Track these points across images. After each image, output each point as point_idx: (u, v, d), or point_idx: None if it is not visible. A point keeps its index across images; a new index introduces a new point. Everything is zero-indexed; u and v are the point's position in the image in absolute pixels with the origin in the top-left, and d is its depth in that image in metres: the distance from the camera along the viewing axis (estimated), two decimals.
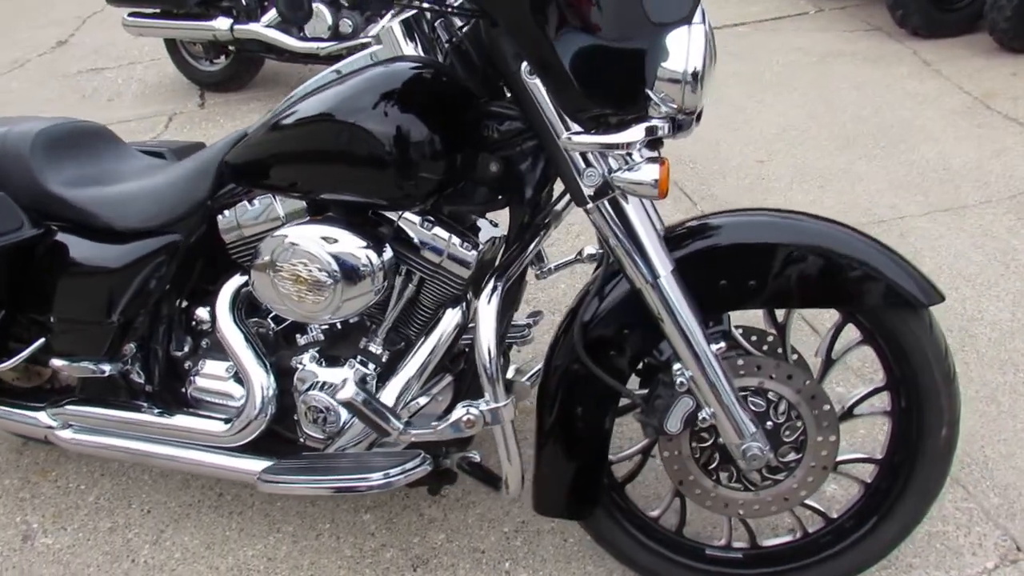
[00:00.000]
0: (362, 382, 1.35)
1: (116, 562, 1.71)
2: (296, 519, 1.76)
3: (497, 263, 1.41)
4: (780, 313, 1.41)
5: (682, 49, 1.06)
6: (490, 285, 1.26)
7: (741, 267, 1.29)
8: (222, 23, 3.92)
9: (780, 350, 1.41)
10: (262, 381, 1.50)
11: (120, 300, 1.58)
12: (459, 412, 1.26)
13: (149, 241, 1.55)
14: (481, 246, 1.40)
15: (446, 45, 1.35)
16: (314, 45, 3.81)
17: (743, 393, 1.32)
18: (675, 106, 1.10)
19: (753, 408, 1.33)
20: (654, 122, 1.12)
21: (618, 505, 1.49)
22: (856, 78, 3.80)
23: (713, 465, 1.37)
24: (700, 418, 1.30)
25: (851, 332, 1.37)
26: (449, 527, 1.71)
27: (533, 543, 1.66)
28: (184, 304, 1.65)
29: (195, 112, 4.18)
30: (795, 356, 1.44)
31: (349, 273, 1.34)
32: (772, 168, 3.09)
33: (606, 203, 1.22)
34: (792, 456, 1.35)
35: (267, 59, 4.21)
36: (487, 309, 1.22)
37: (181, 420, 1.59)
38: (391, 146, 1.27)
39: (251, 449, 1.55)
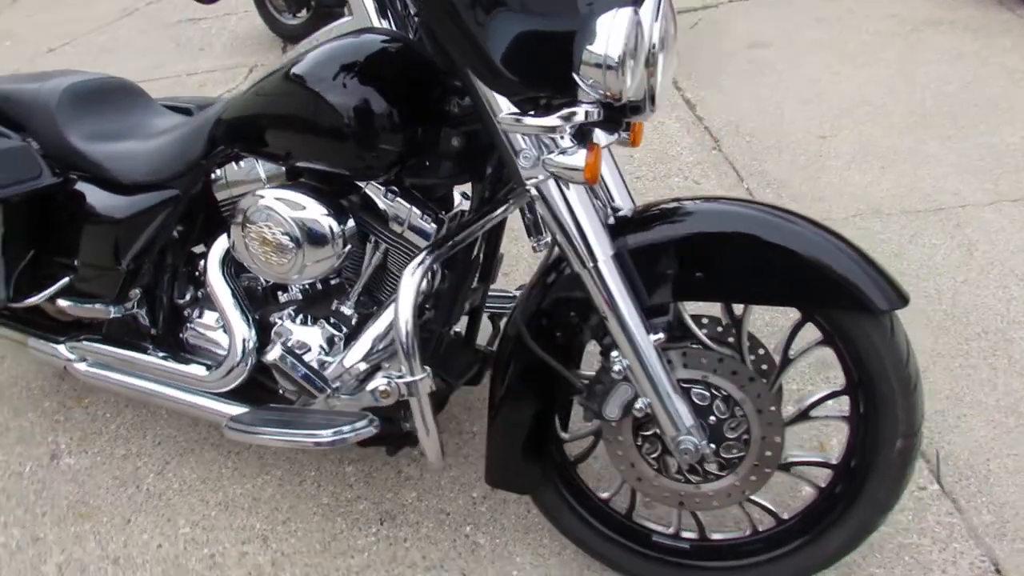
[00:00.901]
0: (288, 347, 1.41)
1: (123, 487, 1.86)
2: (285, 464, 1.86)
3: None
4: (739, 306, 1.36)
5: (605, 32, 1.03)
6: (418, 259, 1.27)
7: (690, 256, 1.25)
8: None
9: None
10: (244, 334, 1.59)
11: (127, 248, 1.69)
12: (377, 382, 1.30)
13: (152, 195, 1.65)
14: (445, 219, 1.42)
15: (415, 19, 1.36)
16: None
17: (687, 385, 1.30)
18: (603, 92, 1.07)
19: (698, 401, 1.30)
20: (584, 107, 1.09)
21: (569, 483, 1.50)
22: (950, 50, 3.51)
23: (655, 454, 1.36)
24: (637, 407, 1.29)
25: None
26: (422, 486, 1.77)
27: (497, 511, 1.69)
28: (188, 255, 1.76)
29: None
30: (762, 351, 1.39)
31: (310, 238, 1.39)
32: (834, 145, 2.92)
33: (547, 184, 1.21)
34: (735, 453, 1.31)
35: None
36: (409, 282, 1.23)
37: (175, 364, 1.70)
38: (350, 117, 1.29)
39: (237, 396, 1.65)
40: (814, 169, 2.80)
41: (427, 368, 1.26)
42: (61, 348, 1.84)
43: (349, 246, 1.43)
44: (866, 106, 3.15)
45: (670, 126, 3.18)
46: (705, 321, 1.40)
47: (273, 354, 1.35)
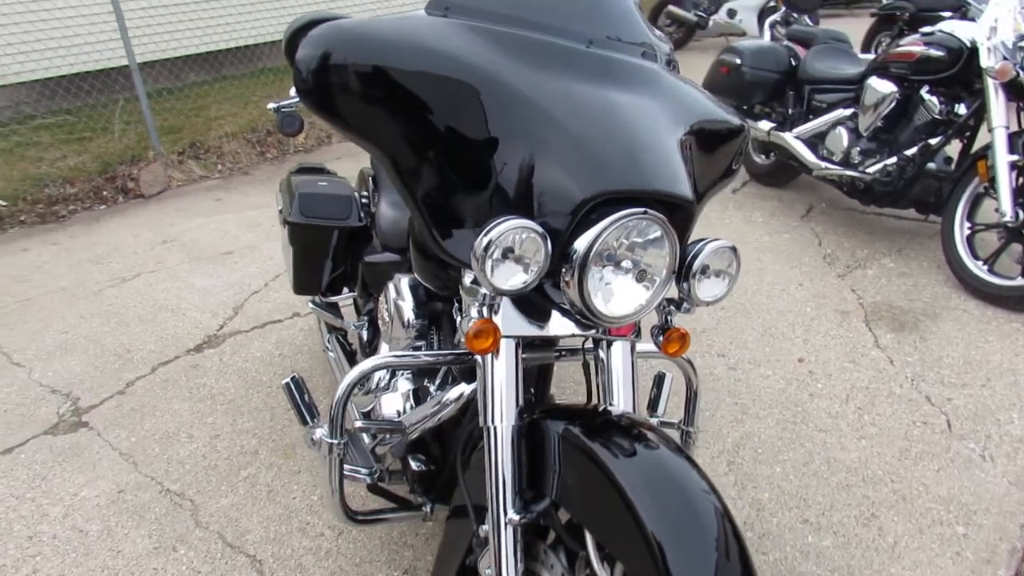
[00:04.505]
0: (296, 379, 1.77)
1: None
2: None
3: None
4: None
5: (484, 231, 1.20)
6: (377, 356, 1.53)
7: (586, 476, 1.25)
8: (764, 125, 4.25)
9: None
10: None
11: (369, 283, 2.30)
12: (317, 430, 1.59)
13: (385, 255, 2.22)
14: None
15: None
16: (823, 165, 3.84)
17: None
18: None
19: None
20: (483, 290, 1.27)
21: None
22: None
23: None
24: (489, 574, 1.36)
25: None
26: None
27: None
28: None
29: (726, 195, 4.63)
30: None
31: (397, 318, 1.78)
32: None
33: None
34: None
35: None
36: (358, 367, 1.50)
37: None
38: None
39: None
40: None
41: (345, 438, 1.53)
42: (327, 336, 2.56)
43: (424, 341, 1.76)
44: None
45: None
46: None
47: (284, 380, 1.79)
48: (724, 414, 2.52)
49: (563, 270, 1.27)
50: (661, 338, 1.48)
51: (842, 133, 3.78)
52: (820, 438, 2.39)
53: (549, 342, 1.60)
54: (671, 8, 9.55)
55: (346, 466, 1.76)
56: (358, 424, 1.67)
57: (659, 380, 1.82)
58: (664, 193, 1.28)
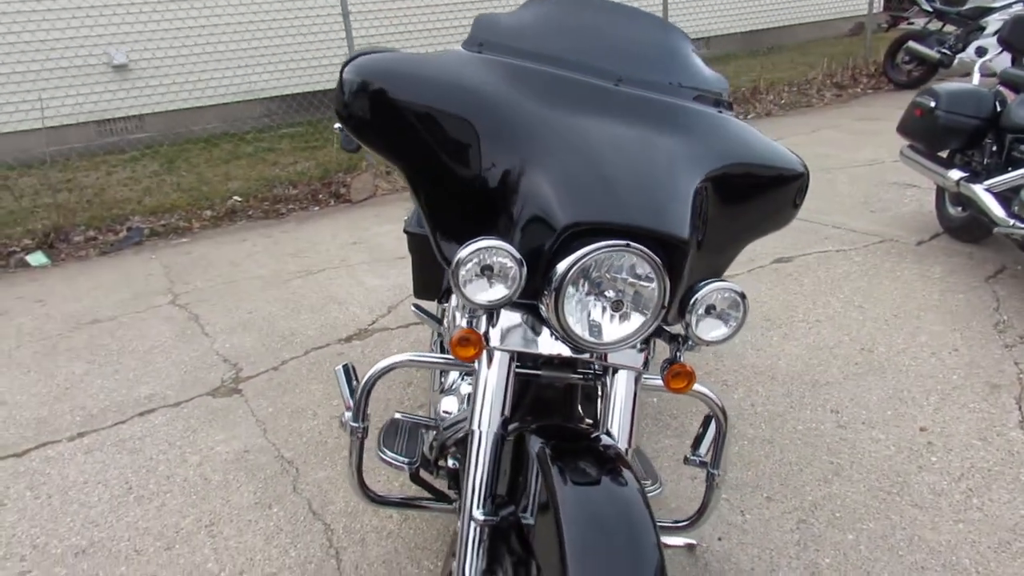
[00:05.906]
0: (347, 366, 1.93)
1: None
2: None
3: None
4: None
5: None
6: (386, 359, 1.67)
7: (537, 496, 1.32)
8: (954, 174, 3.89)
9: None
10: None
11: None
12: (346, 413, 1.74)
13: None
14: None
15: None
16: (1010, 222, 3.45)
17: None
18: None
19: None
20: (467, 305, 1.39)
21: None
22: None
23: None
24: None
25: None
26: None
27: None
28: None
29: (907, 246, 4.27)
30: None
31: (452, 325, 1.93)
32: None
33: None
34: None
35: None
36: (376, 365, 1.66)
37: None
38: None
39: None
40: None
41: (364, 422, 1.69)
42: (433, 339, 2.77)
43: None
44: None
45: None
46: None
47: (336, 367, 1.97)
48: (814, 471, 2.39)
49: (544, 292, 1.35)
50: (667, 372, 1.51)
51: None
52: (911, 513, 2.19)
53: (568, 363, 1.67)
54: (911, 44, 8.92)
55: (389, 453, 1.94)
56: (396, 415, 1.83)
57: (706, 421, 1.82)
58: (648, 229, 1.31)
